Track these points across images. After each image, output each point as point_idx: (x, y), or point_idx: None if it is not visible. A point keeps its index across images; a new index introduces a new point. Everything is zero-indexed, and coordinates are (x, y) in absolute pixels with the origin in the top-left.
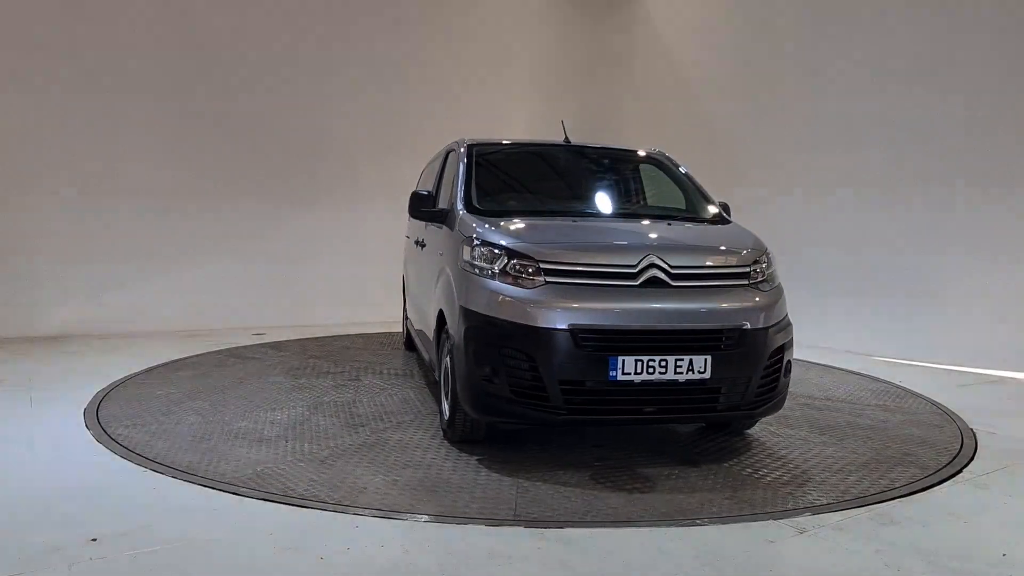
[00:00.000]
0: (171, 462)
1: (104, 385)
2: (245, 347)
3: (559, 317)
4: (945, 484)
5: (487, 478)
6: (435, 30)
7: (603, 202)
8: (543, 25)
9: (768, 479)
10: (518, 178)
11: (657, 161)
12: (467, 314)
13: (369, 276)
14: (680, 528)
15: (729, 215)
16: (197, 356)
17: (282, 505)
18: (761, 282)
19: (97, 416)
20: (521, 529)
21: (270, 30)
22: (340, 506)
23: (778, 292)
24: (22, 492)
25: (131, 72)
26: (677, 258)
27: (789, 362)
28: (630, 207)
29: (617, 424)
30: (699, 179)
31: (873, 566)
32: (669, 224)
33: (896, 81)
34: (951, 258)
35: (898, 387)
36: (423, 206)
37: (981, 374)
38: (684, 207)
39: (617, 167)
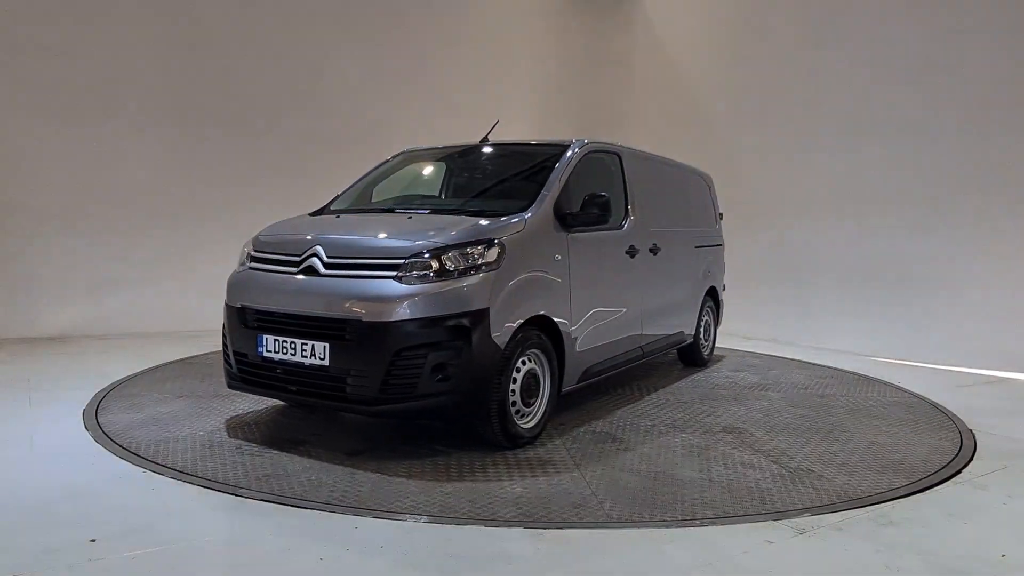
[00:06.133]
0: (171, 462)
1: (104, 385)
2: None
3: (237, 296)
4: (945, 484)
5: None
6: (435, 31)
7: (430, 198)
8: (543, 25)
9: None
10: (400, 182)
11: (555, 154)
12: None
13: None
14: (680, 528)
15: (586, 209)
16: (197, 356)
17: (282, 505)
18: (414, 275)
19: (96, 417)
20: (521, 529)
21: (269, 33)
22: (340, 507)
23: (447, 286)
24: (21, 493)
25: (131, 75)
26: (333, 249)
27: (442, 364)
28: (438, 202)
29: (273, 397)
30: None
31: (873, 566)
32: (410, 217)
33: (896, 81)
34: (951, 259)
35: (897, 388)
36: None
37: (981, 374)
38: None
39: (516, 162)
